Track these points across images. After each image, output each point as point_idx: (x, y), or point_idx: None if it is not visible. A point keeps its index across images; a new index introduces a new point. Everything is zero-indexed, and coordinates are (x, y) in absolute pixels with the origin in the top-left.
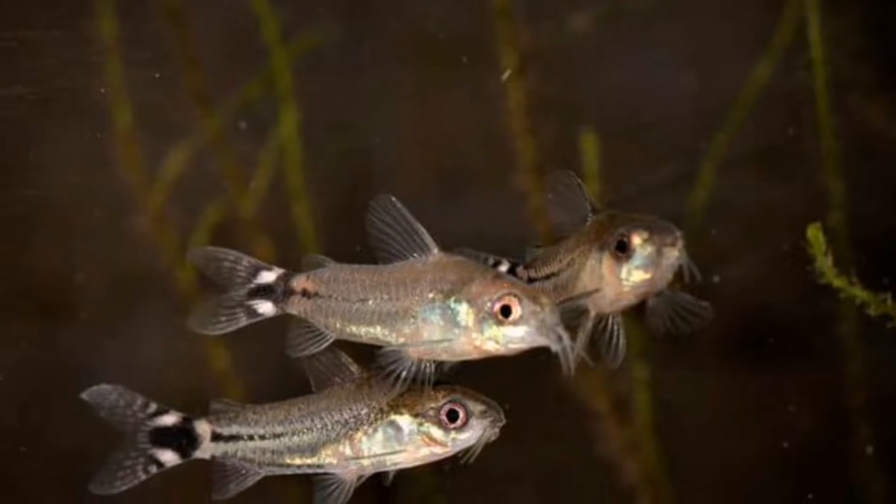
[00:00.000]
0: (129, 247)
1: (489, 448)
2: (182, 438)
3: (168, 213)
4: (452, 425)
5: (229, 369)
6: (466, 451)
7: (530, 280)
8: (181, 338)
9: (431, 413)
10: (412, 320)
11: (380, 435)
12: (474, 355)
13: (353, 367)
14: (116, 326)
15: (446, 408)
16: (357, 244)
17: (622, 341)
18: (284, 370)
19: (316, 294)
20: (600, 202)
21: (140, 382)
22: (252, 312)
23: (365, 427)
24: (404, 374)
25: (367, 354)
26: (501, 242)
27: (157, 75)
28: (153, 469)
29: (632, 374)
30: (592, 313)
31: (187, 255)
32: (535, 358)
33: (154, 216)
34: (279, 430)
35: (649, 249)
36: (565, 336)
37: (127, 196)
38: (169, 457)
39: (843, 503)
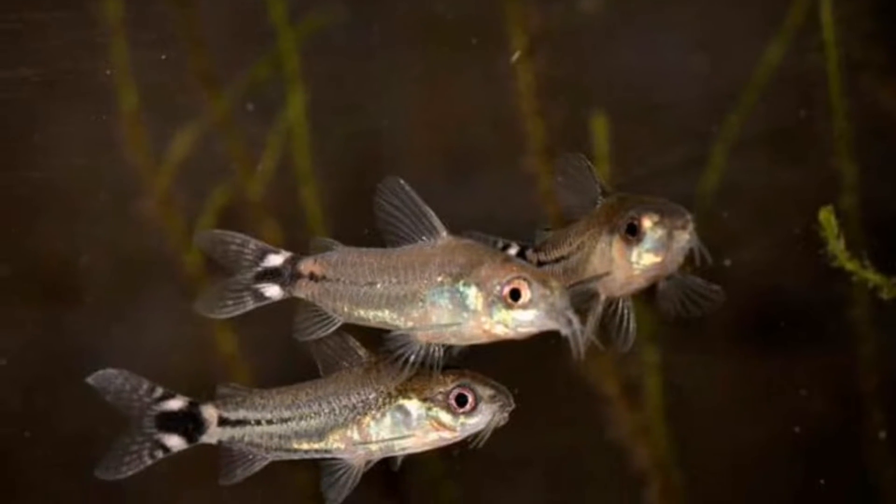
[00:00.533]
0: (135, 230)
1: (498, 433)
2: (188, 423)
3: (174, 195)
4: (461, 410)
5: (236, 353)
6: (475, 435)
7: (540, 263)
8: (187, 322)
9: (440, 397)
10: (421, 304)
11: (388, 419)
12: (483, 339)
13: (361, 351)
14: (122, 310)
15: (455, 392)
16: (365, 227)
17: (632, 325)
18: (292, 354)
19: (323, 277)
20: (610, 185)
21: (146, 366)
22: (259, 296)
23: (373, 411)
24: (413, 358)
25: (376, 338)
26: (511, 225)
27: (163, 57)
28: (159, 454)
29: (642, 357)
30: (602, 297)
31: (194, 239)
32: (545, 342)
33: (160, 199)
34: (286, 414)
35: (660, 232)
36: (575, 320)
37: (133, 179)
38: (175, 441)
39: (856, 488)
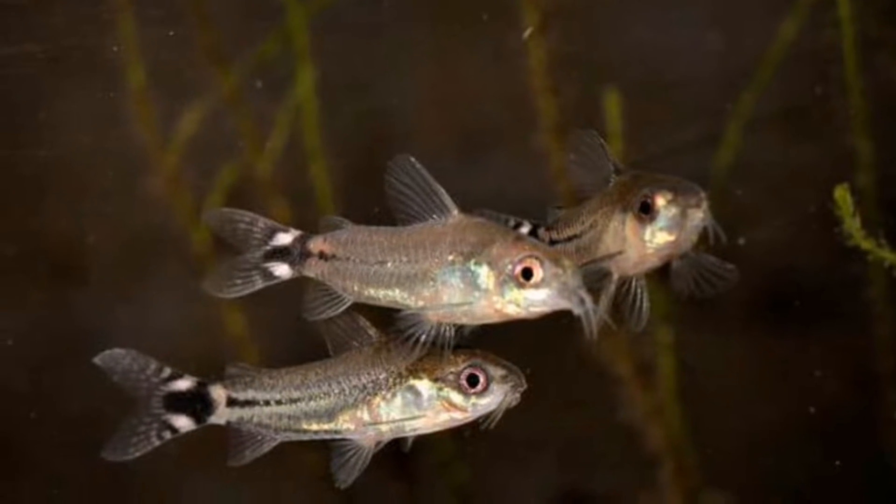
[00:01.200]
0: (142, 208)
1: (510, 414)
2: (197, 403)
3: (182, 173)
4: (472, 390)
5: (245, 333)
6: (487, 416)
7: (552, 242)
8: (196, 301)
9: (451, 378)
10: (431, 283)
11: (398, 400)
12: (495, 319)
13: (371, 331)
14: (129, 290)
15: (466, 372)
16: (375, 205)
17: (646, 304)
18: (301, 334)
19: (333, 256)
20: (623, 162)
21: (153, 346)
22: (268, 275)
23: (383, 392)
24: (423, 337)
25: (386, 318)
26: (522, 203)
27: (171, 33)
28: (167, 435)
29: (655, 337)
30: (615, 276)
31: (202, 217)
32: (557, 322)
33: (168, 177)
34: (296, 395)
35: (673, 211)
36: (587, 299)
37: (140, 156)
38: (183, 422)
39: (872, 470)
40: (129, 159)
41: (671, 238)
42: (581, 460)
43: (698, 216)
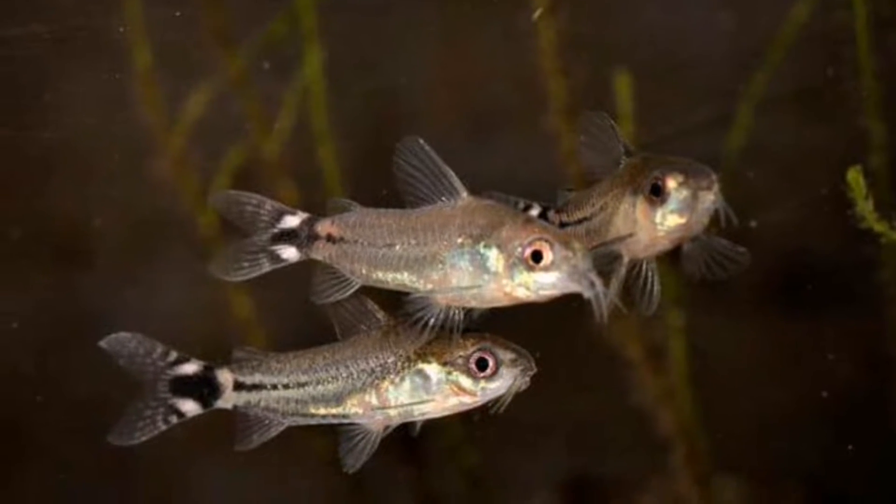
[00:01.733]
0: (148, 191)
1: (519, 398)
2: (203, 388)
3: (189, 155)
4: (482, 374)
5: (252, 316)
6: (496, 400)
7: (562, 224)
8: (202, 284)
9: (460, 361)
10: (440, 266)
11: (407, 384)
12: (504, 302)
13: (380, 315)
14: (136, 273)
15: (475, 356)
16: (383, 188)
17: (656, 287)
18: (309, 318)
19: (341, 239)
20: (634, 144)
21: (160, 330)
22: (275, 258)
23: (392, 376)
24: (432, 321)
25: (394, 301)
26: (532, 186)
27: (178, 14)
28: (173, 419)
29: (666, 321)
30: (626, 259)
31: (209, 200)
32: (567, 305)
33: (174, 159)
34: (303, 379)
35: (684, 193)
36: (598, 282)
37: (146, 138)
38: (190, 406)
39: (885, 453)
40: (135, 141)
41: (682, 221)
42: (591, 445)
43: (709, 198)
